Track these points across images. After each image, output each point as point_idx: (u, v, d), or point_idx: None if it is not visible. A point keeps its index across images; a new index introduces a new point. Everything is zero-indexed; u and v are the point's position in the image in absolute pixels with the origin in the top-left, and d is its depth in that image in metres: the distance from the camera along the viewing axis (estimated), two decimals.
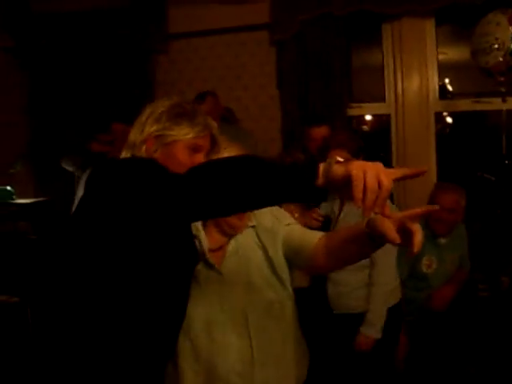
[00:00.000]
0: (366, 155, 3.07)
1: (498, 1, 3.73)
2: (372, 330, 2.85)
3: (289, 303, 2.00)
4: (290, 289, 2.00)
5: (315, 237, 1.84)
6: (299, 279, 2.88)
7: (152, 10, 4.78)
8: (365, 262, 2.72)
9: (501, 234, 4.15)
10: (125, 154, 1.83)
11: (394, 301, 2.97)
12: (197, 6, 4.72)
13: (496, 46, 3.37)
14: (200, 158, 1.77)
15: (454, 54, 4.89)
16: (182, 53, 4.89)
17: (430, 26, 4.57)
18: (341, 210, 3.00)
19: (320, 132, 3.89)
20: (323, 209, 3.13)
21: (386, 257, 2.83)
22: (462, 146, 5.23)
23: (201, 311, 1.89)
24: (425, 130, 4.62)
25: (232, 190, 1.33)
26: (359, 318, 2.88)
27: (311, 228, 2.90)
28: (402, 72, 4.64)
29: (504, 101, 3.56)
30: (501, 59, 3.39)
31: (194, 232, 1.94)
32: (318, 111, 4.57)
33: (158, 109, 1.80)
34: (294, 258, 1.92)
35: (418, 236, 1.33)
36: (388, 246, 2.64)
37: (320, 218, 3.02)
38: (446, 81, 4.78)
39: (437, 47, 4.61)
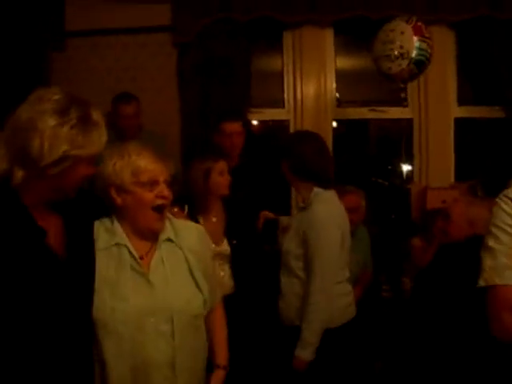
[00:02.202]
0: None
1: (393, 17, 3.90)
2: (302, 352, 2.71)
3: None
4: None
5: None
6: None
7: (49, 5, 4.54)
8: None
9: (396, 237, 4.36)
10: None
11: (337, 321, 2.81)
12: (96, 4, 4.55)
13: (400, 54, 3.50)
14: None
15: (352, 63, 5.08)
16: (79, 51, 4.69)
17: (329, 36, 4.71)
18: None
19: (233, 127, 3.90)
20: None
21: (318, 275, 2.72)
22: (356, 151, 5.45)
23: (131, 316, 1.90)
24: (323, 136, 4.72)
25: None
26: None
27: None
28: (302, 79, 4.74)
29: (405, 106, 3.73)
30: (404, 67, 3.53)
31: (121, 242, 1.97)
32: (218, 115, 4.55)
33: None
34: None
35: None
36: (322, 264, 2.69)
37: None
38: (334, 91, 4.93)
39: (335, 56, 4.76)
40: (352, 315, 2.89)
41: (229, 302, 2.60)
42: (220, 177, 3.24)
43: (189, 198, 3.25)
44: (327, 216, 2.77)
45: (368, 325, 3.50)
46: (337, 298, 2.79)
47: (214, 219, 3.28)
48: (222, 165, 3.27)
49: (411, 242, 3.65)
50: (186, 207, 3.24)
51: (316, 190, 2.83)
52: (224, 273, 3.22)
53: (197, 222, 3.20)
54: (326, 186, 2.87)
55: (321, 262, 2.71)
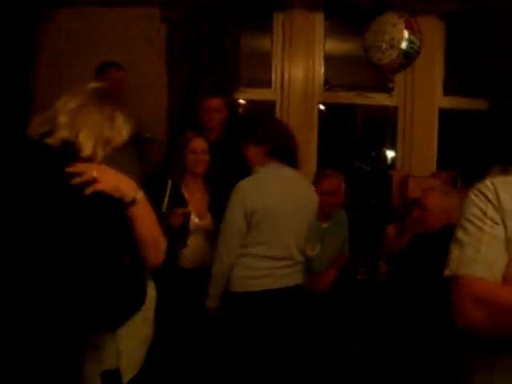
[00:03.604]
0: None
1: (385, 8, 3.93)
2: (208, 301, 3.05)
3: None
4: None
5: None
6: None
7: None
8: None
9: (375, 221, 4.42)
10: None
11: (237, 288, 3.02)
12: None
13: (391, 45, 3.55)
14: None
15: (341, 47, 5.09)
16: (69, 23, 4.65)
17: (318, 19, 4.71)
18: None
19: (214, 103, 3.93)
20: None
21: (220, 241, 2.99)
22: (342, 136, 5.49)
23: None
24: (308, 118, 4.78)
25: None
26: None
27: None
28: (290, 60, 4.75)
29: (391, 95, 3.78)
30: (394, 59, 3.59)
31: None
32: (205, 92, 4.56)
33: None
34: None
35: None
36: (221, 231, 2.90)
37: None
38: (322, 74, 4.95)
39: (325, 40, 4.77)
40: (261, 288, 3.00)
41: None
42: (192, 155, 3.28)
43: (172, 173, 3.30)
44: (240, 188, 2.95)
45: (343, 306, 3.58)
46: (240, 267, 2.98)
47: (196, 195, 3.32)
48: (196, 143, 3.30)
49: (386, 230, 3.71)
50: (170, 181, 3.28)
51: (269, 166, 3.01)
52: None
53: (181, 196, 3.26)
54: (293, 166, 3.07)
55: (221, 227, 2.97)
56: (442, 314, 1.69)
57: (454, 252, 1.56)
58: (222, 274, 2.99)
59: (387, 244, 3.66)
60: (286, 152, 3.02)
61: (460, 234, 1.57)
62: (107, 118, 1.77)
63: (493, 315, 1.44)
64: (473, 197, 1.58)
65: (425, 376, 2.65)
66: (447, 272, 1.55)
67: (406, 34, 3.58)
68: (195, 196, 3.32)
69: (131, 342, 1.93)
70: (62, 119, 1.73)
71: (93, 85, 1.85)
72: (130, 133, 1.83)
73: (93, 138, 1.72)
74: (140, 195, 1.73)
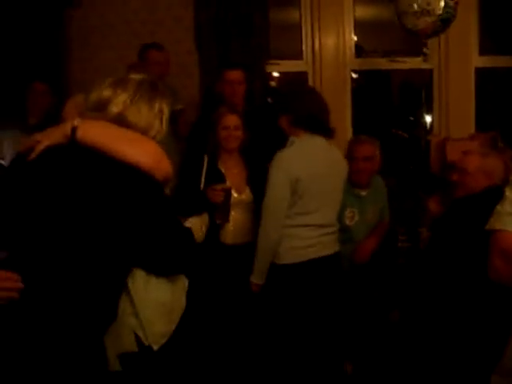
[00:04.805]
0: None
1: None
2: (252, 276, 3.04)
3: None
4: None
5: None
6: None
7: None
8: None
9: (414, 188, 4.37)
10: None
11: (286, 260, 3.02)
12: None
13: (427, 11, 3.48)
14: None
15: (371, 13, 5.01)
16: (95, 7, 4.68)
17: None
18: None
19: (235, 74, 3.93)
20: None
21: (266, 215, 2.97)
22: (377, 103, 5.41)
23: None
24: (341, 87, 4.73)
25: None
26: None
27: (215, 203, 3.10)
28: (319, 30, 4.70)
29: (425, 61, 3.71)
30: (430, 24, 3.52)
31: None
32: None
33: None
34: None
35: None
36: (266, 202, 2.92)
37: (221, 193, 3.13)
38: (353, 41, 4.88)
39: (354, 5, 4.70)
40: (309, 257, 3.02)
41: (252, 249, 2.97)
42: (225, 131, 3.29)
43: (208, 150, 3.33)
44: (281, 158, 2.96)
45: (383, 275, 3.56)
46: (288, 238, 2.98)
47: (234, 170, 3.34)
48: (228, 119, 3.30)
49: (428, 206, 3.62)
50: (206, 157, 3.30)
51: (301, 136, 3.01)
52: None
53: (219, 172, 3.28)
54: (324, 135, 3.06)
55: (266, 200, 2.96)
56: (483, 277, 1.68)
57: (497, 207, 1.57)
58: (269, 249, 2.98)
59: (430, 215, 3.59)
60: (313, 121, 3.01)
61: (508, 192, 1.58)
62: (157, 114, 1.82)
63: None
64: None
65: (466, 343, 2.62)
66: (487, 226, 1.56)
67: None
68: (232, 171, 3.33)
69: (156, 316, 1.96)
70: (115, 109, 1.78)
71: (139, 76, 1.87)
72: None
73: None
74: (77, 121, 1.74)
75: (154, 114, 1.83)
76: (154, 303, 1.90)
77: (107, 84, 1.83)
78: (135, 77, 1.86)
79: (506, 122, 4.66)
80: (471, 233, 2.24)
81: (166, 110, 1.86)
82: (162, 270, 1.88)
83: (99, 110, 1.78)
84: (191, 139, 3.98)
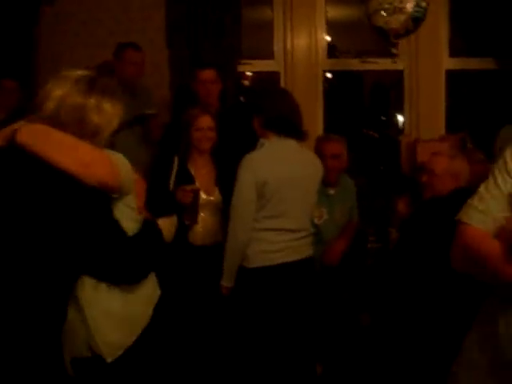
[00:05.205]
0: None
1: None
2: (223, 280, 3.02)
3: None
4: None
5: None
6: None
7: None
8: None
9: (384, 188, 4.40)
10: None
11: (255, 264, 2.98)
12: None
13: (399, 9, 3.48)
14: None
15: (342, 13, 5.01)
16: (69, 5, 4.61)
17: None
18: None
19: (208, 74, 3.89)
20: None
21: (234, 216, 2.95)
22: (349, 103, 5.43)
23: None
24: (313, 87, 4.74)
25: None
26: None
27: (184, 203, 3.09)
28: (292, 30, 4.69)
29: (394, 62, 3.72)
30: (402, 22, 3.52)
31: None
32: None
33: None
34: None
35: None
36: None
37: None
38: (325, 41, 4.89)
39: (326, 5, 4.70)
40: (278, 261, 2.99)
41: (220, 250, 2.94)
42: (198, 132, 3.26)
43: (179, 151, 3.31)
44: (249, 160, 2.93)
45: (353, 276, 3.57)
46: (257, 242, 2.95)
47: (203, 170, 3.32)
48: (202, 120, 3.28)
49: (397, 207, 3.64)
50: (176, 158, 3.28)
51: (271, 139, 2.98)
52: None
53: (188, 172, 3.26)
54: (296, 137, 3.02)
55: (233, 201, 2.93)
56: (452, 281, 1.69)
57: (469, 200, 1.61)
58: (238, 250, 2.95)
59: (398, 216, 3.61)
60: (284, 123, 2.99)
61: (481, 187, 1.60)
62: (93, 107, 1.79)
63: (469, 261, 1.56)
64: (507, 156, 1.57)
65: (436, 346, 2.64)
66: (457, 216, 1.61)
67: None
68: (201, 172, 3.31)
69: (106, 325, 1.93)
70: (50, 106, 1.77)
71: (79, 72, 1.86)
72: (120, 120, 1.86)
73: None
74: (19, 124, 1.75)
75: (89, 110, 1.79)
76: (104, 312, 1.87)
77: (49, 82, 1.82)
78: (73, 73, 1.85)
79: (475, 124, 4.71)
80: (436, 235, 2.25)
81: (107, 106, 1.82)
82: (107, 277, 1.87)
83: (39, 108, 1.78)
84: (163, 140, 3.95)
